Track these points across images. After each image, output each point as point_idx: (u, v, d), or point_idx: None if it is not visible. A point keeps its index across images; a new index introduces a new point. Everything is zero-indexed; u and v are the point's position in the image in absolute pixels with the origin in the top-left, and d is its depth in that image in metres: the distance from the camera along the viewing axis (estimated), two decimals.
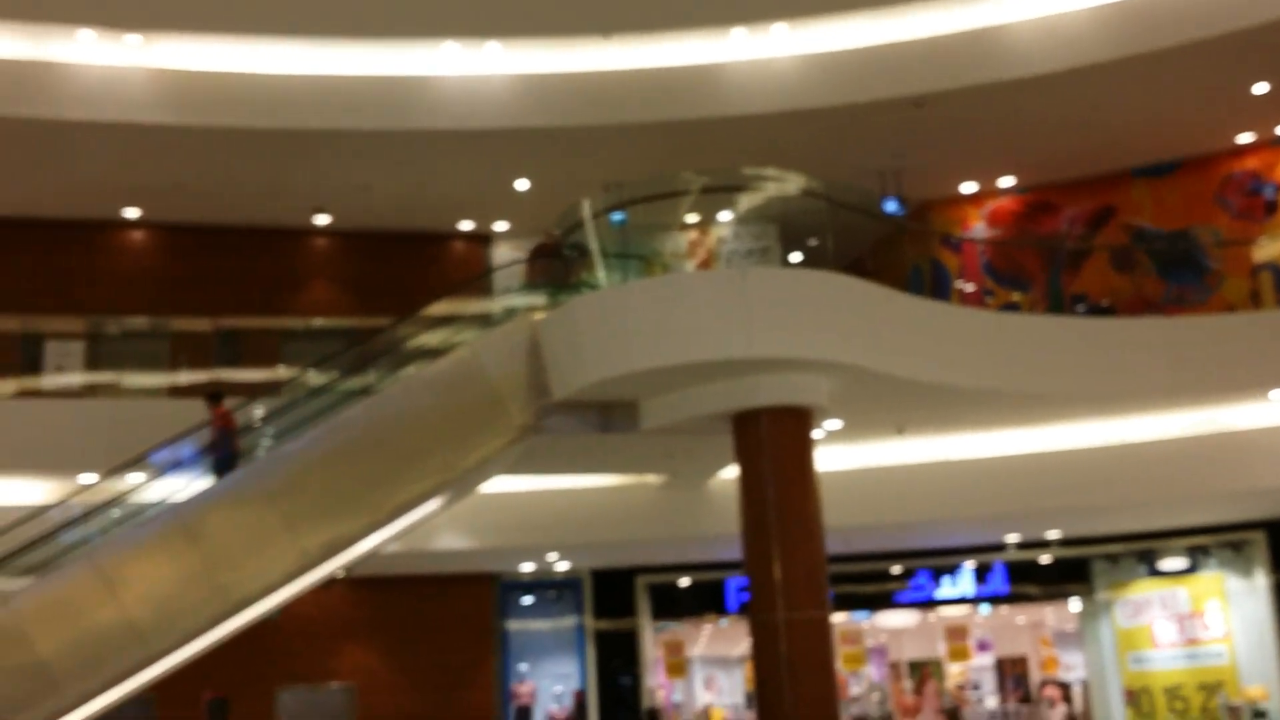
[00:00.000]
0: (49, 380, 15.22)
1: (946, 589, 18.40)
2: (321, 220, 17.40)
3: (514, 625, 17.92)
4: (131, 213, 16.87)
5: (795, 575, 10.90)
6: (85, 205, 16.53)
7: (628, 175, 13.87)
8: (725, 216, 14.67)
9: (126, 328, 16.25)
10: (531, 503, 15.02)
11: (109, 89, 14.48)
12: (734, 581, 17.70)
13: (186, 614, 11.02)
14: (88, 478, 13.02)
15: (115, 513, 12.39)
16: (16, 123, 14.18)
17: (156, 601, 11.05)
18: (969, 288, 17.56)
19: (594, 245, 12.68)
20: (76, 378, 15.39)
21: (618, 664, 17.79)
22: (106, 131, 14.54)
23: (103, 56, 14.52)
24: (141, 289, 16.93)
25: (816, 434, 11.77)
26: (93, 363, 15.67)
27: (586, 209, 12.75)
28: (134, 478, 12.48)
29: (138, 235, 17.32)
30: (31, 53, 14.32)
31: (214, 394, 12.75)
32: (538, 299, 13.49)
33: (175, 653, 11.11)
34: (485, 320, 13.81)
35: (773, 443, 11.24)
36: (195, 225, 17.22)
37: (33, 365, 15.30)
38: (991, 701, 20.29)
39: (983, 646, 20.41)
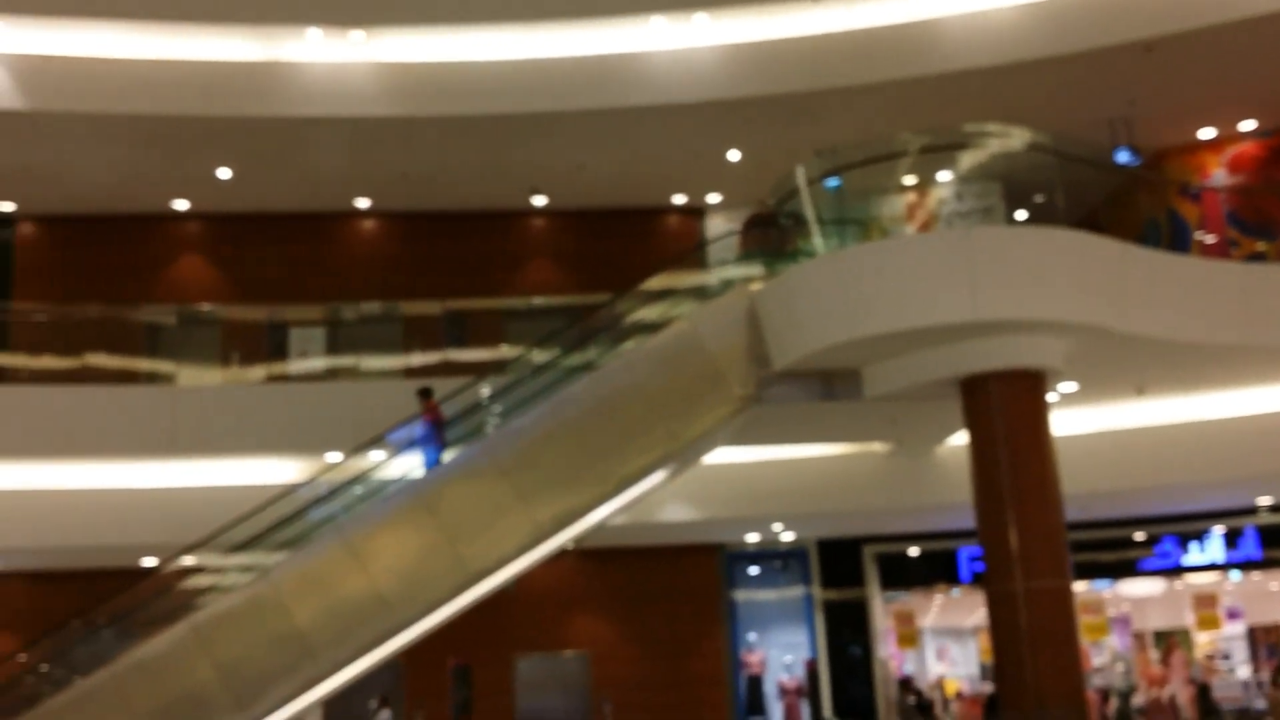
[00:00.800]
0: (294, 365, 16.04)
1: (1194, 555, 17.49)
2: (539, 201, 17.80)
3: (741, 595, 17.98)
4: (362, 203, 17.67)
5: (1032, 544, 10.60)
6: (320, 198, 17.41)
7: (841, 139, 13.64)
8: (945, 177, 14.22)
9: (362, 313, 16.96)
10: (755, 473, 15.01)
11: (336, 85, 15.19)
12: (966, 551, 17.27)
13: (429, 584, 11.46)
14: (333, 456, 13.71)
15: (358, 489, 13.00)
16: (254, 122, 15.07)
17: (401, 573, 11.52)
18: (1210, 239, 16.53)
19: (810, 212, 12.50)
20: (319, 362, 16.16)
21: (847, 634, 17.64)
22: (336, 126, 15.30)
23: (330, 54, 15.23)
24: (374, 275, 17.71)
25: (1050, 397, 11.34)
26: (333, 347, 16.43)
27: (801, 176, 12.57)
28: (375, 455, 13.05)
29: (369, 224, 18.11)
30: (264, 54, 15.17)
31: (424, 391, 13.24)
32: (754, 269, 13.42)
33: (420, 622, 11.58)
34: (702, 293, 13.80)
35: (1004, 408, 10.91)
36: (421, 212, 17.89)
37: (279, 351, 16.15)
38: (1243, 672, 19.18)
39: (1233, 615, 19.29)
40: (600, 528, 12.94)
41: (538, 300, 17.36)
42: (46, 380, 15.13)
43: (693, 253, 16.90)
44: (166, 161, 16.07)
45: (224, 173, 16.34)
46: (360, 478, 13.01)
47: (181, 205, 17.40)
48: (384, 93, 15.19)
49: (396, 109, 15.17)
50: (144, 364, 15.83)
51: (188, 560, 12.61)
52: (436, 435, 12.78)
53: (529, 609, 16.77)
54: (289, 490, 12.67)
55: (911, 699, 16.80)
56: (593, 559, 17.02)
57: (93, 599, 13.28)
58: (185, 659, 11.16)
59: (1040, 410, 11.06)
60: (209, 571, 12.50)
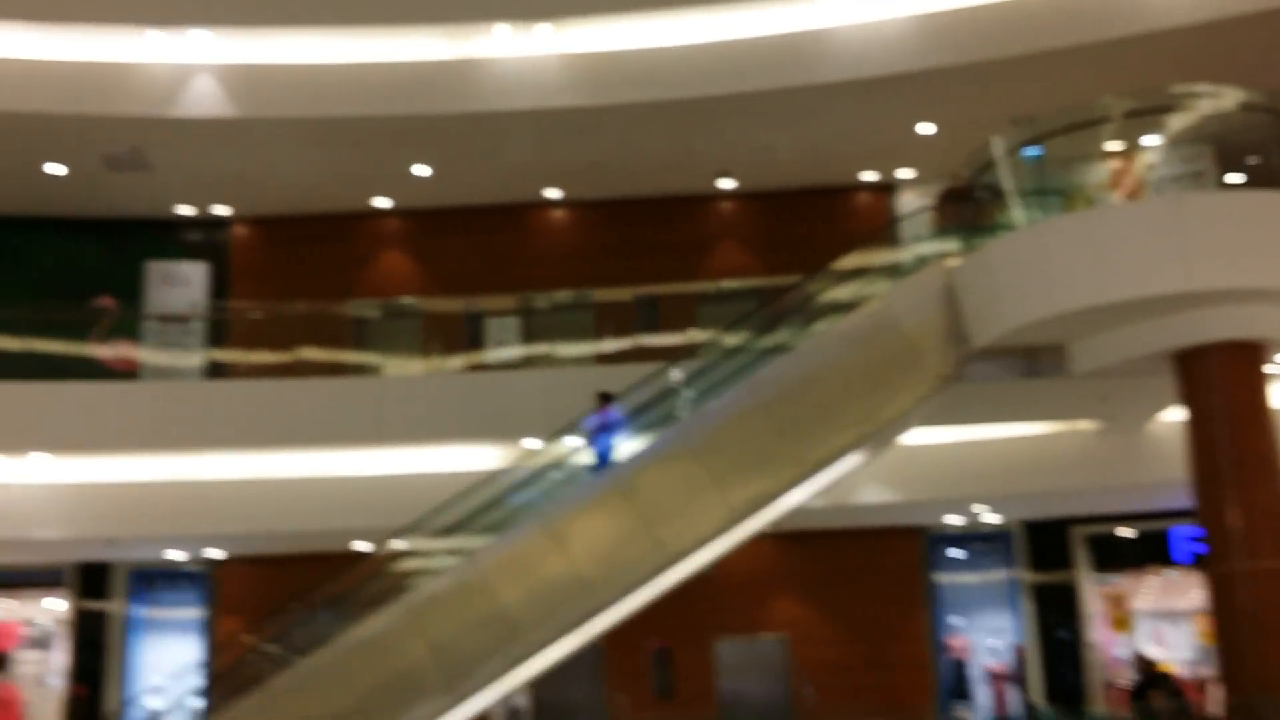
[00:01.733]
0: (492, 354, 16.46)
1: None
2: (726, 184, 17.76)
3: (943, 578, 17.58)
4: (553, 193, 17.97)
5: (1255, 523, 10.07)
6: (512, 190, 17.79)
7: (1039, 107, 13.13)
8: (1152, 141, 13.56)
9: (555, 301, 17.26)
10: (956, 454, 14.65)
11: (525, 78, 15.49)
12: (1181, 531, 16.46)
13: (628, 567, 11.57)
14: (531, 442, 14.01)
15: (555, 474, 13.25)
16: (448, 119, 15.51)
17: (601, 556, 11.67)
18: None
19: (1008, 184, 12.09)
20: (515, 350, 16.55)
21: (1055, 618, 17.05)
22: (526, 118, 15.61)
23: (518, 48, 15.54)
24: (566, 264, 17.99)
25: (1271, 369, 10.72)
26: (528, 335, 16.79)
27: (998, 146, 12.17)
28: (571, 441, 13.26)
29: (559, 214, 18.40)
30: (454, 52, 15.59)
31: (604, 395, 13.39)
32: (949, 245, 13.06)
33: (620, 604, 11.71)
34: (895, 271, 13.55)
35: (1223, 381, 10.38)
36: (610, 200, 18.07)
37: (476, 341, 16.59)
38: None
39: None
40: (798, 511, 12.84)
41: (727, 284, 17.30)
42: (263, 374, 15.93)
43: (885, 230, 16.57)
44: (367, 161, 16.69)
45: (421, 169, 16.85)
46: (558, 463, 13.26)
47: (382, 203, 18.05)
48: (571, 83, 15.41)
49: (584, 99, 15.37)
50: (351, 356, 16.50)
51: (398, 544, 13.08)
52: (609, 436, 12.90)
53: (728, 592, 16.79)
54: (492, 476, 12.98)
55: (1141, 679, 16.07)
56: (791, 542, 16.91)
57: (310, 582, 13.94)
58: (400, 639, 11.58)
59: (1260, 383, 10.50)
60: (418, 555, 12.93)
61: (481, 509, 12.79)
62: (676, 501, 11.82)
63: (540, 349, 16.49)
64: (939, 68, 14.60)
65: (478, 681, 11.38)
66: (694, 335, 15.80)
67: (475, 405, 15.00)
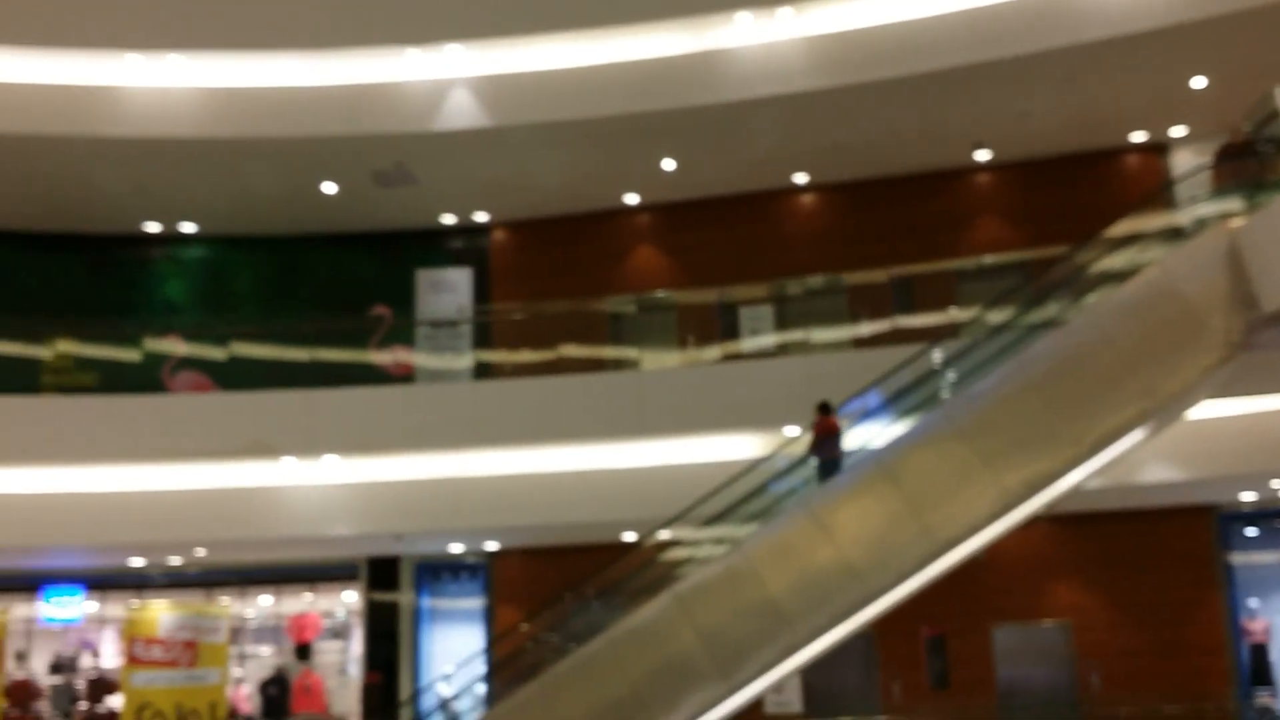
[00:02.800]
0: (747, 343, 16.46)
1: None
2: (981, 156, 17.16)
3: (1239, 559, 16.45)
4: (800, 178, 17.81)
5: None
6: (759, 178, 17.74)
7: None
8: None
9: (807, 287, 17.11)
10: (1249, 426, 13.68)
11: (768, 65, 15.41)
12: None
13: (897, 553, 11.32)
14: (791, 430, 13.92)
15: (813, 461, 13.11)
16: (693, 111, 15.61)
17: (868, 542, 11.47)
18: None
19: None
20: (769, 338, 16.50)
21: None
22: (771, 105, 15.52)
23: (759, 35, 15.46)
24: (816, 249, 17.79)
25: None
26: (781, 323, 16.71)
27: None
28: None
29: (808, 199, 18.22)
30: (696, 45, 15.67)
31: (824, 406, 13.12)
32: (1232, 204, 12.17)
33: (891, 591, 11.48)
34: (1172, 235, 12.73)
35: None
36: (858, 181, 17.78)
37: (731, 331, 16.63)
38: None
39: None
40: (1075, 492, 12.27)
41: (988, 259, 16.70)
42: (527, 372, 16.48)
43: (1160, 192, 15.61)
44: (616, 159, 16.99)
45: (668, 164, 17.03)
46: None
47: (632, 199, 18.34)
48: (815, 66, 15.23)
49: (829, 80, 15.16)
50: (610, 351, 16.86)
51: (664, 534, 13.26)
52: (832, 447, 12.66)
53: (1002, 577, 16.24)
54: (754, 465, 12.97)
55: None
56: (1068, 524, 16.21)
57: (580, 572, 14.33)
58: (670, 627, 11.71)
59: None
60: (685, 544, 13.07)
61: (744, 498, 12.81)
62: (945, 486, 11.48)
63: (795, 336, 16.39)
64: (1214, 16, 13.61)
65: (751, 670, 11.38)
66: (954, 314, 15.34)
67: (732, 395, 15.06)
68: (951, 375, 13.03)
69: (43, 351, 17.02)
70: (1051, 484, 11.38)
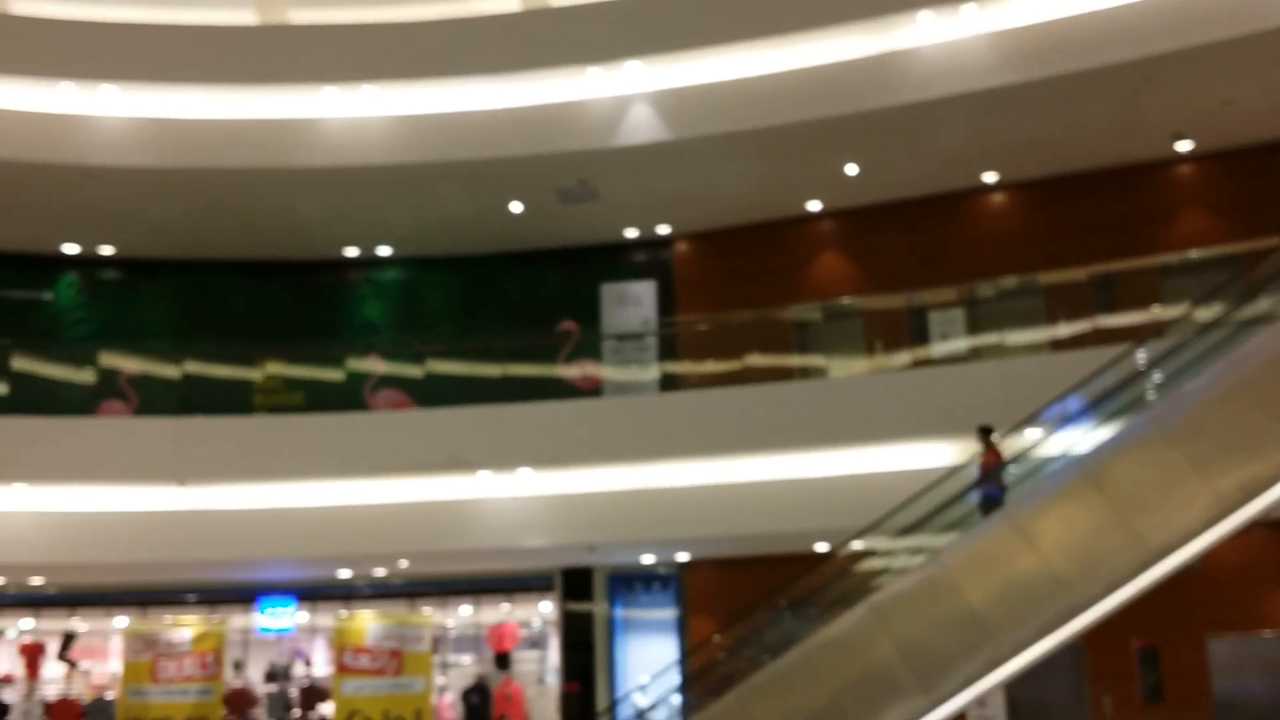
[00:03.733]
0: (937, 349, 16.11)
1: None
2: (1182, 146, 16.40)
3: None
4: (989, 177, 17.36)
5: None
6: (946, 178, 17.36)
7: None
8: None
9: (1000, 288, 16.64)
10: None
11: (953, 62, 15.09)
12: None
13: (1105, 562, 10.88)
14: None
15: (1013, 468, 12.74)
16: (876, 115, 15.42)
17: (1074, 551, 11.06)
18: None
19: None
20: (961, 343, 16.11)
21: None
22: (956, 104, 15.18)
23: (942, 33, 15.16)
24: (1008, 249, 17.28)
25: None
26: (973, 326, 16.29)
27: None
28: (1031, 433, 12.71)
29: (997, 198, 17.74)
30: (876, 47, 15.47)
31: (985, 430, 12.75)
32: None
33: (1100, 602, 11.02)
34: None
35: None
36: (1051, 177, 17.21)
37: (921, 336, 16.30)
38: None
39: None
40: None
41: (1194, 253, 15.92)
42: (713, 383, 16.52)
43: None
44: (797, 166, 16.89)
45: (851, 168, 16.84)
46: (1018, 456, 12.76)
47: (815, 205, 18.20)
48: (1002, 61, 14.83)
49: (1017, 76, 14.73)
50: (796, 360, 16.76)
51: (858, 544, 13.09)
52: (995, 477, 12.22)
53: (1218, 586, 15.41)
54: (951, 473, 12.70)
55: None
56: None
57: (772, 583, 14.27)
58: (867, 639, 11.54)
59: None
60: (879, 554, 12.87)
61: (940, 506, 12.55)
62: (1154, 491, 10.98)
63: (989, 339, 15.96)
64: None
65: (953, 683, 11.11)
66: (1159, 313, 14.70)
67: (924, 401, 14.79)
68: (1158, 376, 12.49)
69: (253, 374, 17.92)
70: (1269, 488, 10.78)
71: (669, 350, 18.20)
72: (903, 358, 16.14)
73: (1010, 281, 16.61)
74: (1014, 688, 13.98)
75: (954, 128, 15.79)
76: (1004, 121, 15.64)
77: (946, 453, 14.49)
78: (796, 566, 14.08)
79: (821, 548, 15.53)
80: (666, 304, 19.02)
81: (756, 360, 16.56)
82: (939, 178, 17.29)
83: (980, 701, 13.43)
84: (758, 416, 15.34)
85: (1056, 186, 17.21)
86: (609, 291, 19.15)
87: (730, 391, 15.80)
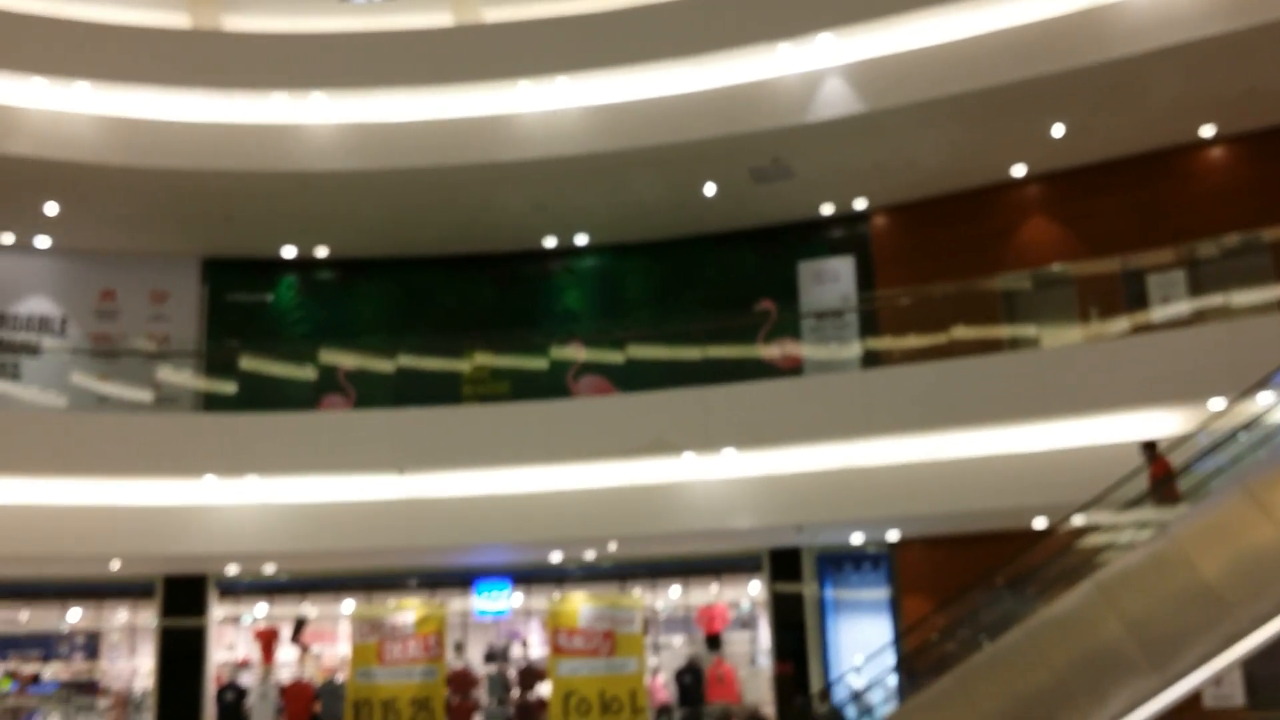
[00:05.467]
0: (1157, 313, 15.36)
1: None
2: None
3: None
4: (1207, 130, 16.44)
5: None
6: (1158, 134, 16.53)
7: None
8: None
9: (1223, 247, 15.74)
10: None
11: (1164, 12, 14.37)
12: None
13: None
14: (1215, 403, 12.89)
15: (1242, 436, 12.06)
16: (1082, 72, 14.83)
17: None
18: None
19: None
20: (1183, 306, 15.32)
21: None
22: (1167, 56, 14.44)
23: None
24: (1230, 205, 16.33)
25: None
26: (1195, 288, 15.47)
27: None
28: (1263, 398, 12.00)
29: (1216, 152, 16.79)
30: (1080, 2, 14.81)
31: (1150, 445, 12.20)
32: None
33: None
34: None
35: None
36: (1273, 128, 16.20)
37: (1138, 301, 15.58)
38: None
39: None
40: None
41: None
42: (917, 358, 16.14)
43: None
44: (997, 131, 16.37)
45: (1057, 129, 16.20)
46: (1250, 423, 12.06)
47: (1019, 170, 17.59)
48: (1219, 8, 14.02)
49: (1231, 23, 13.93)
50: (1004, 331, 16.24)
51: (1079, 520, 12.61)
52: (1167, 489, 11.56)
53: None
54: (1177, 443, 12.12)
55: None
56: None
57: (987, 561, 13.89)
58: (1093, 617, 11.10)
59: None
60: (1102, 530, 12.37)
61: (1168, 478, 11.99)
62: None
63: (1213, 301, 15.12)
64: None
65: (1186, 661, 10.60)
66: None
67: (1145, 368, 14.12)
68: None
69: (462, 365, 18.48)
70: None
71: (870, 326, 17.90)
72: (1120, 324, 15.43)
73: (1233, 239, 15.70)
74: (1252, 665, 13.26)
75: (1166, 81, 15.01)
76: (1219, 72, 14.78)
77: (1171, 421, 13.82)
78: (1013, 544, 13.67)
79: (1040, 524, 15.05)
80: (865, 279, 18.70)
81: (962, 333, 16.12)
82: (1152, 134, 16.47)
83: (1216, 680, 12.76)
84: (966, 390, 14.94)
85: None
86: (806, 269, 18.95)
87: (937, 365, 15.39)
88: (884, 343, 17.37)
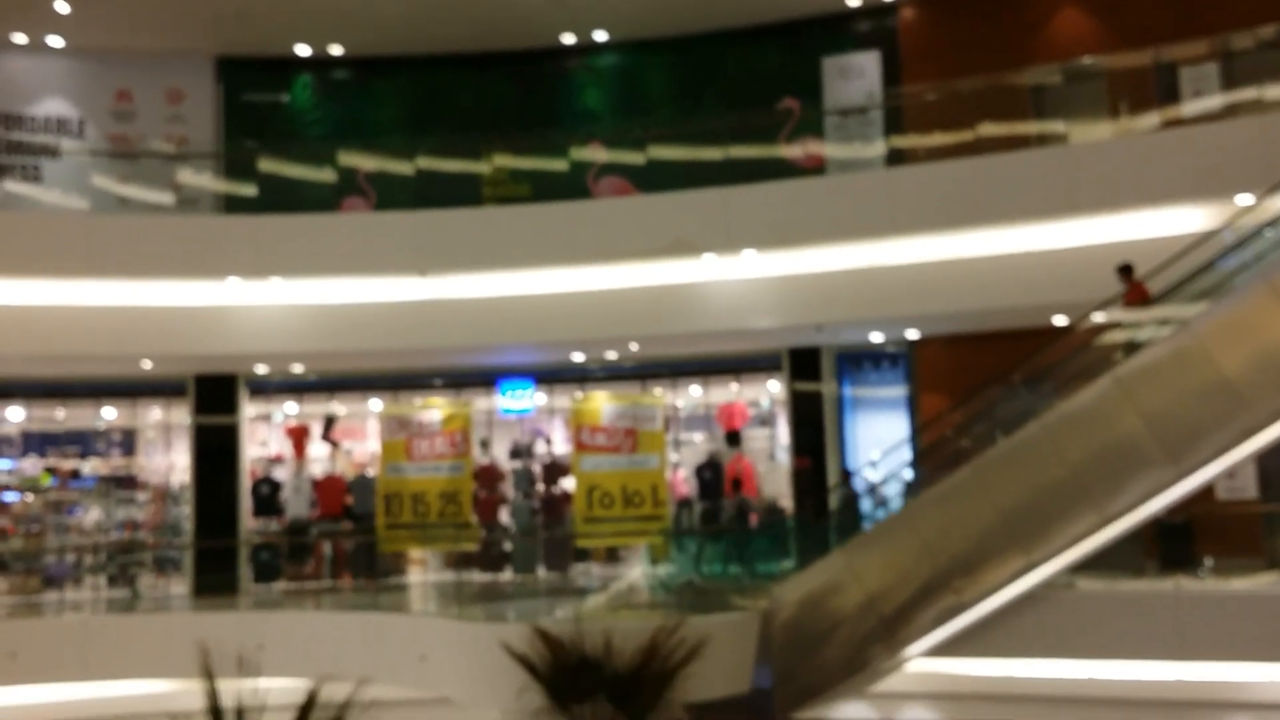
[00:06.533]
0: (1188, 107, 15.04)
1: None
2: None
3: None
4: None
5: None
6: None
7: None
8: None
9: (1259, 39, 15.28)
10: None
11: None
12: None
13: None
14: (1243, 199, 12.76)
15: (1269, 233, 12.00)
16: None
17: None
18: None
19: None
20: (1215, 100, 14.98)
21: None
22: None
23: None
24: None
25: None
26: (1229, 82, 15.10)
27: None
28: None
29: None
30: None
31: (1124, 267, 11.90)
32: None
33: None
34: None
35: None
36: None
37: (1170, 95, 15.24)
38: None
39: None
40: None
41: None
42: (942, 156, 15.92)
43: None
44: None
45: None
46: (1277, 220, 11.98)
47: None
48: None
49: None
50: (1033, 127, 15.95)
51: (1099, 316, 12.67)
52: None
53: None
54: (1202, 239, 12.05)
55: None
56: None
57: (1005, 358, 14.03)
58: (1111, 411, 11.32)
59: None
60: (1124, 327, 12.44)
61: (1190, 275, 11.99)
62: None
63: (1246, 95, 14.77)
64: None
65: (1202, 454, 10.86)
66: None
67: (1174, 164, 13.93)
68: None
69: (481, 166, 18.34)
70: None
71: (895, 124, 17.58)
72: (1151, 119, 15.12)
73: (1269, 31, 15.22)
74: (1266, 459, 13.51)
75: None
76: None
77: (1198, 218, 13.70)
78: (1033, 341, 13.79)
79: (1060, 322, 15.12)
80: (892, 75, 18.28)
81: (990, 130, 15.83)
82: None
83: (1230, 474, 13.05)
84: (992, 188, 14.77)
85: None
86: (831, 65, 18.52)
87: (962, 163, 15.18)
88: (909, 141, 17.10)
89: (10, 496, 18.02)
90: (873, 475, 15.89)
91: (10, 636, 14.32)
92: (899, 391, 18.15)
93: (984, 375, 14.28)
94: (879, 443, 17.31)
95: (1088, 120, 15.49)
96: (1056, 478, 11.53)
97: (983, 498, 11.95)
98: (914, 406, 17.87)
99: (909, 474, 15.01)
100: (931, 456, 14.83)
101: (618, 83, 19.75)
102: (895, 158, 17.00)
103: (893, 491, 15.21)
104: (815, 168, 17.30)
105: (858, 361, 18.44)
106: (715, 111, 18.45)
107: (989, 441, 12.85)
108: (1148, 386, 11.25)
